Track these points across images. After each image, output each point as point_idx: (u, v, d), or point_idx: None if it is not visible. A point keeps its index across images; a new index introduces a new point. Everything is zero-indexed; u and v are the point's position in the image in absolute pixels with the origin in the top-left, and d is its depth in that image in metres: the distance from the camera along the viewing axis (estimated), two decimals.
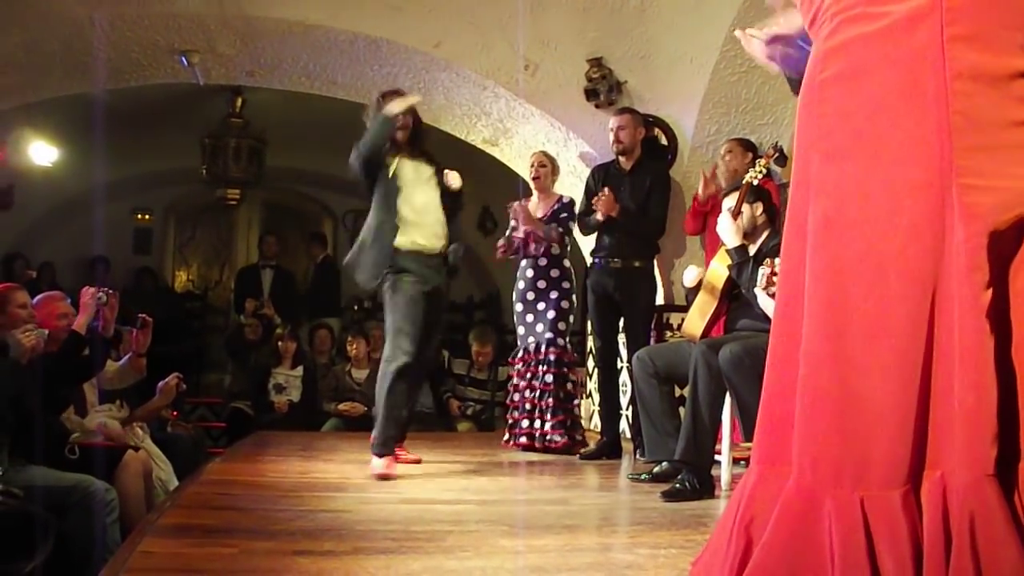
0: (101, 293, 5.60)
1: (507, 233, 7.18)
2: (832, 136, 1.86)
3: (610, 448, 6.68)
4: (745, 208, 5.23)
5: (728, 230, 5.24)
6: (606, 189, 6.59)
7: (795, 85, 2.30)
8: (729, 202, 5.33)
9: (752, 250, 5.18)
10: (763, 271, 4.66)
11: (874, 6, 1.84)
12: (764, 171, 5.48)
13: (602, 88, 7.52)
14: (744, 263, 5.12)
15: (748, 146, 6.77)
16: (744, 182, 5.40)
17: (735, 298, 5.34)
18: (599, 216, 6.59)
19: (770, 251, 5.02)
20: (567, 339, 6.99)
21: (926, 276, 1.72)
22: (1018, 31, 1.75)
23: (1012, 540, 1.58)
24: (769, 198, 5.35)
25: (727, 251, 5.27)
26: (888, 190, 1.77)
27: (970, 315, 1.65)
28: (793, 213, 1.96)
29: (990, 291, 1.68)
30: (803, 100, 1.95)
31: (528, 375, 7.04)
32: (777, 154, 5.78)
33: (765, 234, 5.24)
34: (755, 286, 4.89)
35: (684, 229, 7.26)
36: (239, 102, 10.94)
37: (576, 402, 7.01)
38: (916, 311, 1.72)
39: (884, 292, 1.75)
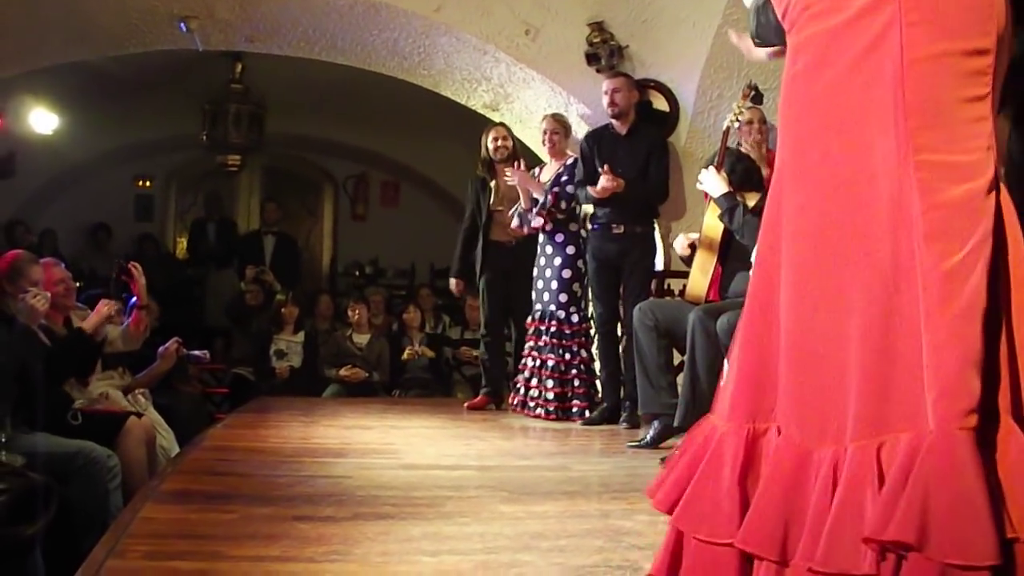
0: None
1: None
2: (799, 127, 1.96)
3: (610, 413, 6.68)
4: None
5: (713, 181, 5.27)
6: (606, 167, 6.52)
7: None
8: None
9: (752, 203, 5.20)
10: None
11: None
12: (741, 113, 5.51)
13: (603, 52, 7.48)
14: (734, 207, 5.12)
15: None
16: (724, 128, 5.44)
17: (727, 261, 5.35)
18: (594, 195, 6.59)
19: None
20: (570, 310, 6.97)
21: (885, 249, 1.81)
22: (974, 11, 1.81)
23: (980, 490, 1.63)
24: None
25: (715, 200, 5.28)
26: (851, 175, 1.87)
27: (932, 282, 1.73)
28: (772, 198, 2.04)
29: (953, 258, 1.74)
30: (780, 95, 2.03)
31: (531, 343, 7.06)
32: (752, 92, 5.76)
33: (756, 197, 5.25)
34: (755, 233, 4.89)
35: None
36: (239, 68, 10.90)
37: (572, 372, 6.98)
38: (875, 282, 1.81)
39: (847, 270, 1.84)
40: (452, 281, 7.98)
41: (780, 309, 1.93)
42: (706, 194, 5.48)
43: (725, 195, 5.20)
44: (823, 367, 1.83)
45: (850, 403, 1.79)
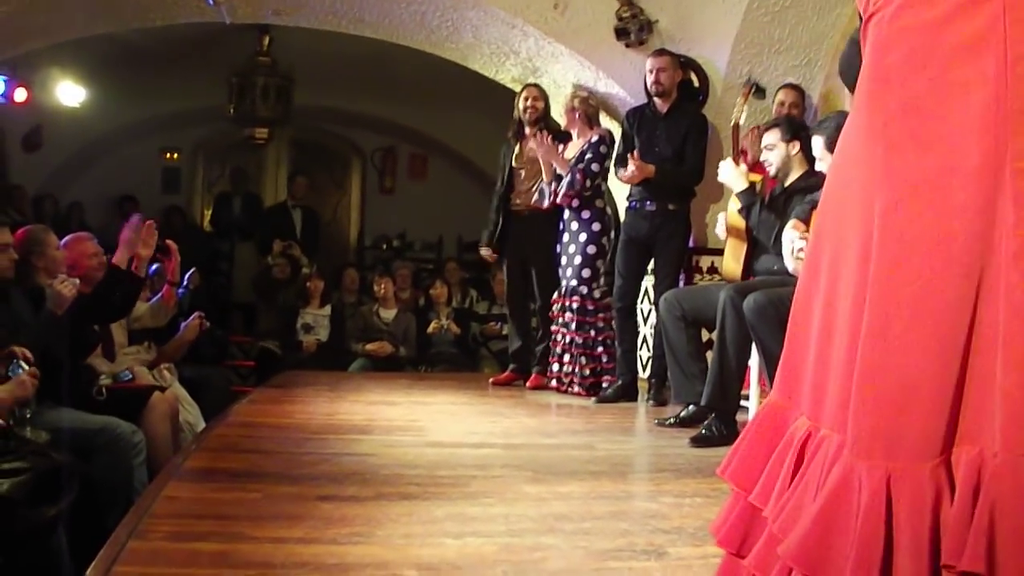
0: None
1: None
2: (894, 125, 1.83)
3: (624, 391, 6.66)
4: (780, 145, 5.19)
5: (731, 175, 5.27)
6: (634, 154, 6.50)
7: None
8: (770, 137, 5.30)
9: (788, 182, 5.17)
10: (795, 242, 4.51)
11: None
12: (744, 109, 5.51)
13: (633, 27, 7.40)
14: (752, 205, 5.12)
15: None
16: (732, 125, 5.43)
17: (755, 242, 5.33)
18: (622, 180, 6.65)
19: (801, 191, 4.99)
20: (592, 285, 6.91)
21: (972, 261, 1.69)
22: None
23: None
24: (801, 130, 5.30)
25: (736, 195, 5.27)
26: (944, 178, 1.74)
27: (1016, 299, 1.63)
28: (837, 189, 1.96)
29: None
30: (868, 83, 1.90)
31: (559, 319, 7.02)
32: (753, 87, 5.75)
33: (800, 172, 5.19)
34: (771, 231, 4.89)
35: None
36: (266, 40, 10.88)
37: (599, 349, 6.95)
38: (958, 295, 1.70)
39: (929, 276, 1.72)
40: (484, 250, 7.75)
41: (860, 312, 1.83)
42: None
43: (745, 191, 5.19)
44: (888, 379, 1.74)
45: (912, 420, 1.71)
